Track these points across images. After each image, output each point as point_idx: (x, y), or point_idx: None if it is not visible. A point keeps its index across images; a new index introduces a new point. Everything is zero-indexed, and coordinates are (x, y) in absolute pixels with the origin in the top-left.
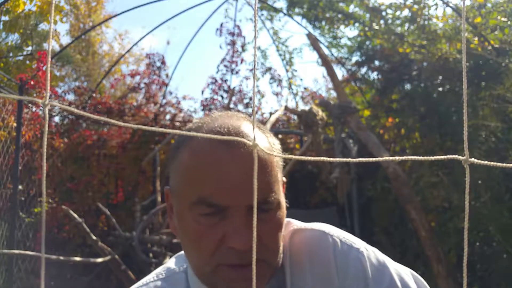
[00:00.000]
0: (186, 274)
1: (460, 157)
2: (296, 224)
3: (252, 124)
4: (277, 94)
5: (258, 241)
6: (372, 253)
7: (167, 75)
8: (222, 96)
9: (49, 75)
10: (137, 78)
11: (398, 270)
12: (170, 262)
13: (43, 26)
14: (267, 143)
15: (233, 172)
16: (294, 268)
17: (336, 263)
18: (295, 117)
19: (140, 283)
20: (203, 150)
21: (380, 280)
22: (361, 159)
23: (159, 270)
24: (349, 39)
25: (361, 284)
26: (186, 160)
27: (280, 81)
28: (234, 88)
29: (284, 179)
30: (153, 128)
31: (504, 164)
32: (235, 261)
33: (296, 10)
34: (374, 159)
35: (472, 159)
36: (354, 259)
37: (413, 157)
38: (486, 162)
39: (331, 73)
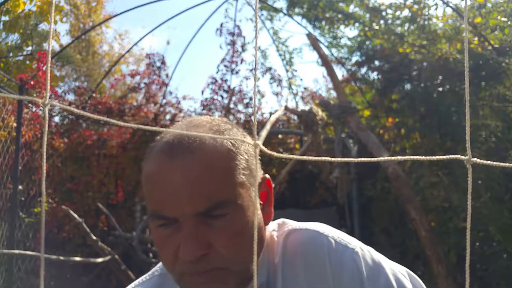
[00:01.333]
0: None
1: (463, 157)
2: (291, 224)
3: (252, 125)
4: (277, 94)
5: (212, 250)
6: (367, 253)
7: (167, 75)
8: (222, 96)
9: (49, 75)
10: (137, 78)
11: (394, 269)
12: None
13: (43, 26)
14: (223, 147)
15: (174, 182)
16: (288, 269)
17: (331, 263)
18: (295, 117)
19: (136, 281)
20: (152, 163)
21: (375, 280)
22: (361, 159)
23: (156, 267)
24: (349, 39)
25: (357, 285)
26: (144, 174)
27: (280, 81)
28: (234, 88)
29: (267, 176)
30: (154, 128)
31: (506, 164)
32: (191, 270)
33: (296, 10)
34: (374, 159)
35: (475, 159)
36: (349, 259)
37: (413, 157)
38: (488, 162)
39: (331, 73)
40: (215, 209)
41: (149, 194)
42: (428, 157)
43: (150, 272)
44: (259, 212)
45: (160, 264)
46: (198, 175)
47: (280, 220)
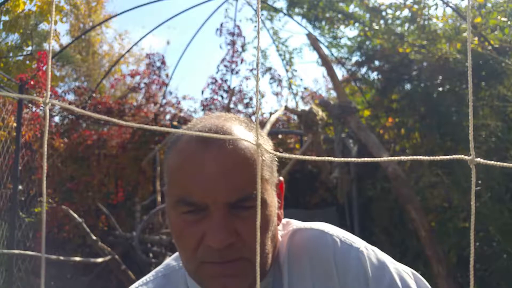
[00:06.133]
0: None
1: (466, 157)
2: (296, 224)
3: (255, 125)
4: (277, 94)
5: (238, 239)
6: (372, 252)
7: (167, 75)
8: (222, 96)
9: (49, 74)
10: (137, 78)
11: (399, 269)
12: (170, 260)
13: (43, 26)
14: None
15: (209, 170)
16: (294, 268)
17: (336, 263)
18: (295, 117)
19: (140, 281)
20: (184, 150)
21: (380, 280)
22: (361, 159)
23: (159, 267)
24: (349, 39)
25: (362, 284)
26: (171, 161)
27: (280, 81)
28: (234, 88)
29: (281, 178)
30: (154, 128)
31: (509, 164)
32: (215, 259)
33: (296, 10)
34: (374, 159)
35: (478, 159)
36: (354, 258)
37: (413, 157)
38: (492, 162)
39: (331, 73)
40: (245, 201)
41: (178, 181)
42: (429, 157)
43: (153, 272)
44: (276, 211)
45: (163, 264)
46: (233, 167)
47: (284, 220)
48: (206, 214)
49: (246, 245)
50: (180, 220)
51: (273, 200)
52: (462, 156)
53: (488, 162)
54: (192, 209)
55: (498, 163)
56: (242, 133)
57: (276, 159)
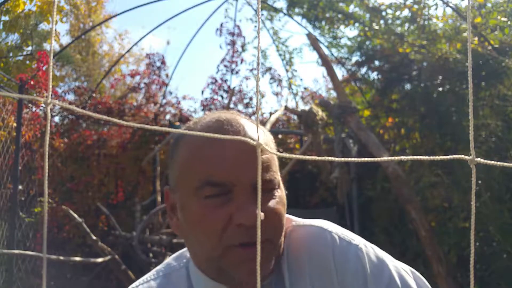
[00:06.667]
0: (187, 270)
1: (466, 157)
2: (295, 220)
3: (254, 122)
4: (277, 94)
5: (265, 220)
6: (371, 250)
7: (167, 75)
8: (222, 96)
9: (51, 74)
10: (137, 78)
11: (397, 267)
12: (170, 259)
13: (43, 26)
14: (262, 135)
15: (232, 152)
16: (293, 265)
17: (335, 260)
18: (295, 117)
19: (141, 280)
20: (200, 138)
21: (379, 277)
22: (361, 159)
23: (159, 267)
24: (349, 39)
25: (360, 281)
26: (185, 152)
27: (280, 81)
28: (234, 88)
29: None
30: (154, 128)
31: (510, 164)
32: (244, 239)
33: (296, 10)
34: (374, 159)
35: (479, 159)
36: (353, 255)
37: (413, 157)
38: (492, 161)
39: (331, 73)
40: (267, 183)
41: (199, 166)
42: (429, 157)
43: (154, 271)
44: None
45: (163, 264)
46: (252, 150)
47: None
48: (231, 197)
49: (271, 225)
50: (202, 206)
51: (283, 189)
52: (462, 156)
53: (488, 162)
54: (216, 193)
55: (498, 163)
56: (252, 127)
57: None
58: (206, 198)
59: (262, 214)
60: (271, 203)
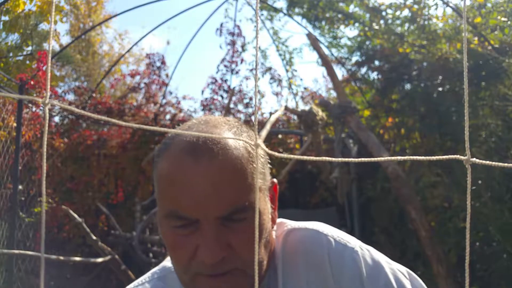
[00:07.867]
0: None
1: (462, 157)
2: (290, 223)
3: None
4: (277, 94)
5: (231, 252)
6: (367, 252)
7: (167, 75)
8: (222, 96)
9: (49, 74)
10: (137, 78)
11: (394, 269)
12: (166, 261)
13: (43, 26)
14: (244, 150)
15: (199, 185)
16: (288, 268)
17: (330, 263)
18: (295, 117)
19: (136, 282)
20: (173, 163)
21: (375, 279)
22: (361, 159)
23: (155, 269)
24: (349, 39)
25: (356, 284)
26: (160, 172)
27: (280, 81)
28: (234, 88)
29: (275, 180)
30: (154, 128)
31: (506, 164)
32: (208, 272)
33: (296, 10)
34: (374, 159)
35: (474, 159)
36: (349, 258)
37: (413, 157)
38: (487, 161)
39: (331, 73)
40: (236, 213)
41: (168, 194)
42: (428, 157)
43: (149, 274)
44: (270, 216)
45: (159, 266)
46: (223, 180)
47: (278, 220)
48: (198, 228)
49: (239, 257)
50: (172, 233)
51: (266, 207)
52: (458, 156)
53: (484, 162)
54: (183, 223)
55: (494, 163)
56: (232, 142)
57: (269, 160)
58: (175, 227)
59: (224, 251)
60: (241, 235)
